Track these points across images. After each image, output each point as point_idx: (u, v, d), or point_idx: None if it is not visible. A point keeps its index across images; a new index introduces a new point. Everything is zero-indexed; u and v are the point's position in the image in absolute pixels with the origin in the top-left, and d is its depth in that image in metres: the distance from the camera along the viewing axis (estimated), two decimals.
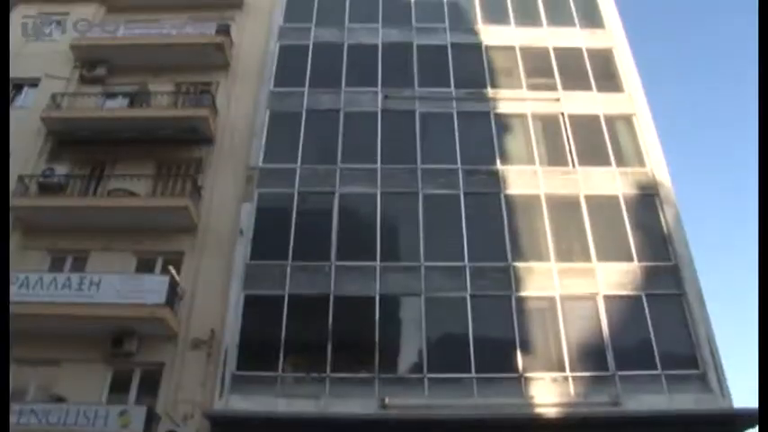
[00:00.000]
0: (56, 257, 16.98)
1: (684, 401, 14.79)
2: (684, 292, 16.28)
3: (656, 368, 15.27)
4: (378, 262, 16.50)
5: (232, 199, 17.43)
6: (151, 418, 14.10)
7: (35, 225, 16.84)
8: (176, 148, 18.51)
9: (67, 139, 18.40)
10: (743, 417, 14.56)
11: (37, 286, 15.15)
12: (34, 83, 19.71)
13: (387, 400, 14.57)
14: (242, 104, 19.57)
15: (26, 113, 18.31)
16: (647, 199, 17.99)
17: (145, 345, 15.27)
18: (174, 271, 16.09)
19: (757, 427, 14.72)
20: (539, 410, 14.51)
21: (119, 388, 15.21)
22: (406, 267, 16.50)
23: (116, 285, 15.23)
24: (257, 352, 15.54)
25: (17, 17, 20.71)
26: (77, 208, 16.96)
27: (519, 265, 16.63)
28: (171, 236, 16.86)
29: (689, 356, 15.53)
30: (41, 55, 20.00)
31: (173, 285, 15.54)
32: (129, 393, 15.15)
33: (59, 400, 14.35)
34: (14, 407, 13.48)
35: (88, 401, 14.32)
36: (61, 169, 17.76)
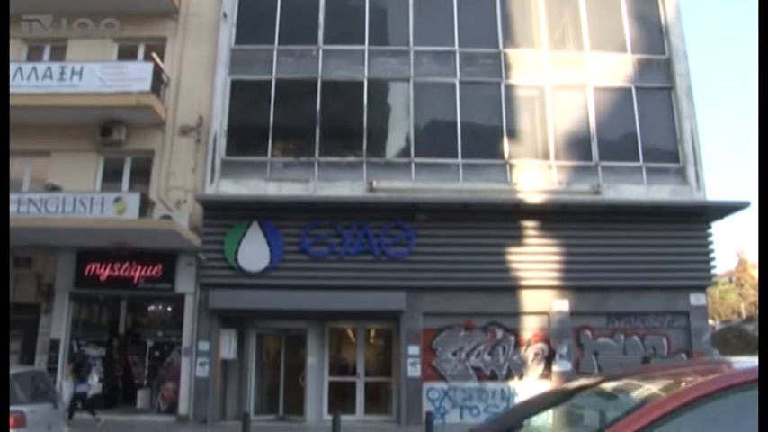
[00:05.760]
0: (32, 47, 16.33)
1: (661, 192, 15.29)
2: (675, 86, 16.13)
3: (637, 160, 15.56)
4: (366, 46, 15.99)
5: None
6: (145, 204, 14.42)
7: None
8: None
9: None
10: (714, 208, 15.23)
11: (17, 77, 14.56)
12: None
13: (374, 184, 14.91)
14: None
15: None
16: None
17: (133, 133, 15.27)
18: (157, 57, 15.57)
19: (726, 218, 15.51)
20: (522, 196, 14.91)
21: (111, 177, 15.48)
22: (395, 51, 16.05)
23: (99, 73, 14.78)
24: (246, 137, 15.66)
25: None
26: None
27: (510, 52, 16.21)
28: (152, 21, 16.14)
29: (671, 150, 15.79)
30: None
31: (157, 72, 15.18)
32: (122, 182, 15.40)
33: (54, 189, 14.48)
34: (12, 196, 13.62)
35: (83, 190, 14.50)
36: None
